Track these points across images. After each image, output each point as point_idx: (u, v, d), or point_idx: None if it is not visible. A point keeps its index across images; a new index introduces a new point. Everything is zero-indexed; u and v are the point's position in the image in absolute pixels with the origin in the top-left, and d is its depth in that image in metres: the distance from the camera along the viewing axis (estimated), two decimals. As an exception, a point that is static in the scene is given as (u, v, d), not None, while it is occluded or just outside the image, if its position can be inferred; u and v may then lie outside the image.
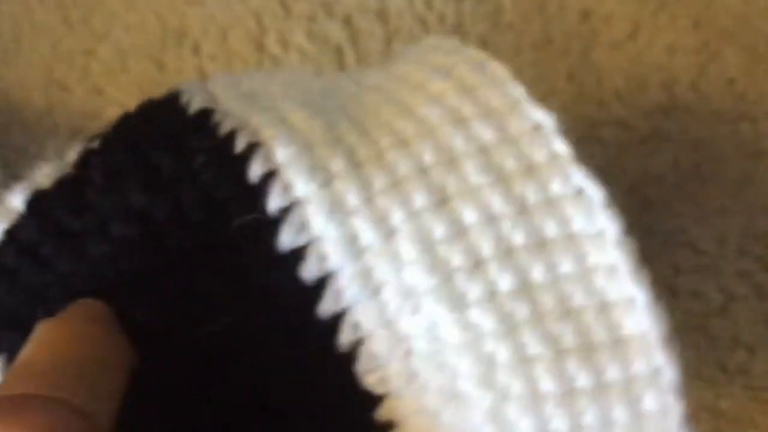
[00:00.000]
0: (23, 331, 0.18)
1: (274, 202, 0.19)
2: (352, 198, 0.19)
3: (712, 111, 0.37)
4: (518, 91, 0.21)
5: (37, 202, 0.21)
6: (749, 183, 0.36)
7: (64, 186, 0.21)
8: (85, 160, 0.21)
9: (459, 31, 0.40)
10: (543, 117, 0.21)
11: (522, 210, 0.20)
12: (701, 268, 0.36)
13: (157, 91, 0.41)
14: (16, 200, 0.21)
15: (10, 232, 0.20)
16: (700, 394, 0.34)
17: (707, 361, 0.34)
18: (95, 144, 0.22)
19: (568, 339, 0.20)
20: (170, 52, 0.41)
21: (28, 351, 0.17)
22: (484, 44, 0.40)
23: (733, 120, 0.37)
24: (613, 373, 0.20)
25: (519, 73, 0.38)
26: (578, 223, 0.20)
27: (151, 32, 0.42)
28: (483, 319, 0.19)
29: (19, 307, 0.20)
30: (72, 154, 0.22)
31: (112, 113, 0.41)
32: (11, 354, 0.19)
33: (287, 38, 0.41)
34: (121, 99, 0.41)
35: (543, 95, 0.39)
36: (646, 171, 0.37)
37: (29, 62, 0.41)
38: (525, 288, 0.19)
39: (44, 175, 0.22)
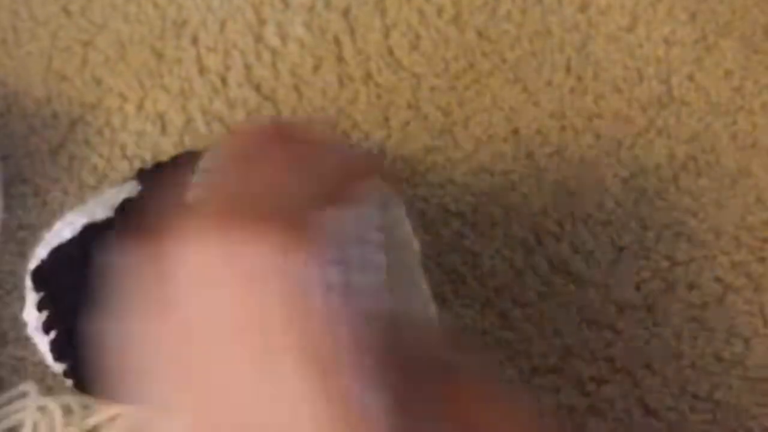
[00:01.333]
0: None
1: None
2: None
3: (709, 103, 0.38)
4: None
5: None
6: (745, 175, 0.36)
7: None
8: None
9: (457, 22, 0.41)
10: None
11: None
12: (697, 260, 0.36)
13: (156, 81, 0.41)
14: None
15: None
16: (697, 385, 0.34)
17: (703, 352, 0.34)
18: None
19: None
20: (169, 43, 0.42)
21: None
22: (481, 36, 0.40)
23: (729, 112, 0.37)
24: None
25: (516, 65, 0.38)
26: None
27: (149, 23, 0.42)
28: None
29: None
30: None
31: (111, 103, 0.41)
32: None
33: (286, 29, 0.42)
34: (119, 89, 0.41)
35: (541, 87, 0.39)
36: (642, 163, 0.37)
37: (28, 52, 0.41)
38: None
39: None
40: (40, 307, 0.32)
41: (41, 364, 0.34)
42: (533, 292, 0.36)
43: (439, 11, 0.41)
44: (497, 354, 0.36)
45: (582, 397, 0.34)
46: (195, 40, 0.42)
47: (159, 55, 0.42)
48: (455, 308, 0.37)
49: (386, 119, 0.41)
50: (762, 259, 0.35)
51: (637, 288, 0.36)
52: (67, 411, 0.33)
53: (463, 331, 0.36)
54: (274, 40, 0.42)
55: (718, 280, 0.35)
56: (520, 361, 0.36)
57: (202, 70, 0.42)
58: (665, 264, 0.36)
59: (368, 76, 0.41)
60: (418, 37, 0.41)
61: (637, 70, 0.38)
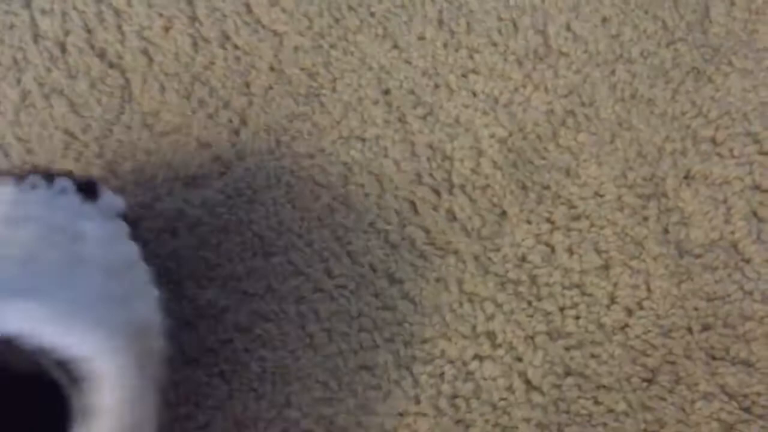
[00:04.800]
0: None
1: None
2: None
3: (587, 53, 0.35)
4: None
5: None
6: (625, 128, 0.34)
7: None
8: None
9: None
10: None
11: None
12: (578, 229, 0.34)
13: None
14: None
15: None
16: (579, 360, 0.32)
17: (586, 320, 0.32)
18: None
19: None
20: (-14, 6, 0.36)
21: None
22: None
23: (608, 62, 0.35)
24: None
25: (385, 18, 0.34)
26: None
27: (-38, -17, 0.36)
28: None
29: None
30: None
31: None
32: None
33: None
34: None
35: (412, 42, 0.36)
36: (519, 120, 0.35)
37: None
38: None
39: None
40: None
41: None
42: (410, 267, 0.34)
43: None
44: (374, 336, 0.33)
45: (464, 381, 0.32)
46: (27, 2, 0.37)
47: (-15, 21, 0.37)
48: (328, 290, 0.34)
49: (246, 84, 0.37)
50: (645, 219, 0.33)
51: (520, 260, 0.33)
52: None
53: (338, 315, 0.34)
54: (118, 0, 0.37)
55: (599, 251, 0.33)
56: (396, 344, 0.33)
57: (37, 37, 0.37)
58: (546, 227, 0.33)
59: (225, 36, 0.37)
60: (276, -9, 0.37)
61: (512, 21, 0.35)
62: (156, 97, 0.37)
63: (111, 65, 0.37)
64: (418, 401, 0.32)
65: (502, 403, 0.31)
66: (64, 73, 0.37)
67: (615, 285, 0.32)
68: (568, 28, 0.35)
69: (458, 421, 0.31)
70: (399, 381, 0.32)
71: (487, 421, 0.30)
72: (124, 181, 0.35)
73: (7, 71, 0.37)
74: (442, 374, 0.32)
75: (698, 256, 0.32)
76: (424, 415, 0.32)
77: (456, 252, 0.33)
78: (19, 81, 0.37)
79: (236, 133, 0.36)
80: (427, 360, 0.32)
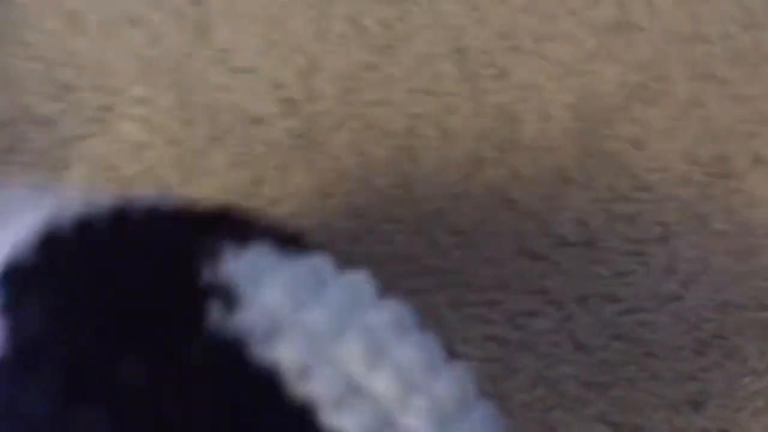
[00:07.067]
0: None
1: None
2: None
3: (664, 29, 0.35)
4: None
5: None
6: (696, 105, 0.34)
7: None
8: None
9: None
10: None
11: None
12: (641, 200, 0.34)
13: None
14: None
15: None
16: (630, 326, 0.32)
17: (643, 287, 0.32)
18: None
19: None
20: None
21: None
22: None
23: (685, 40, 0.35)
24: None
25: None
26: None
27: None
28: None
29: None
30: None
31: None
32: None
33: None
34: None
35: (491, 4, 0.36)
36: (589, 89, 0.35)
37: None
38: None
39: None
40: None
41: None
42: (468, 219, 0.34)
43: None
44: (426, 281, 0.33)
45: (513, 330, 0.32)
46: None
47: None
48: (384, 231, 0.34)
49: (321, 32, 0.37)
50: (710, 198, 0.33)
51: (579, 222, 0.33)
52: None
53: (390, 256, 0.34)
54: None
55: (661, 224, 0.33)
56: (450, 290, 0.33)
57: None
58: (608, 195, 0.34)
59: (305, -18, 0.38)
60: (361, -58, 0.38)
61: (593, -9, 0.36)
62: (233, 35, 0.38)
63: (195, 2, 0.38)
64: (467, 341, 0.32)
65: (549, 359, 0.31)
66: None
67: (673, 256, 0.32)
68: (649, 3, 0.35)
69: (506, 366, 0.31)
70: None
71: (535, 369, 0.30)
72: (194, 113, 0.36)
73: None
74: (489, 320, 0.32)
75: (762, 237, 0.32)
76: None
77: (516, 208, 0.34)
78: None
79: (308, 77, 0.37)
80: (479, 307, 0.33)
